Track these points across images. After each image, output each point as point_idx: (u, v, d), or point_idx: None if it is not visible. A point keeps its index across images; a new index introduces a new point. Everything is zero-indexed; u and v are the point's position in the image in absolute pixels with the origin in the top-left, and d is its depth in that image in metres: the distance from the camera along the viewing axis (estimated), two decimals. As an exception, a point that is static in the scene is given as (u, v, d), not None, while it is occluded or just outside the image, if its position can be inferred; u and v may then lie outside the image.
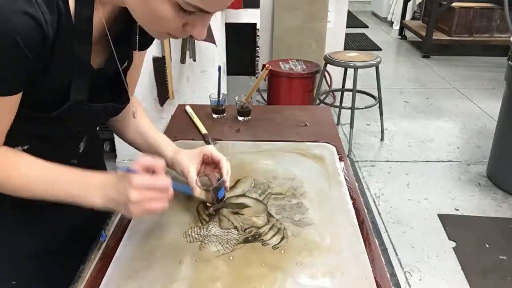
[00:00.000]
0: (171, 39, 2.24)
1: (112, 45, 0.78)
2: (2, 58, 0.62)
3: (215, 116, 1.47)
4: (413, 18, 6.79)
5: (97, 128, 1.05)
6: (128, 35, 0.81)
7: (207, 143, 1.28)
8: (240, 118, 1.44)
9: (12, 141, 0.76)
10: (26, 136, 0.78)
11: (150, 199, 0.74)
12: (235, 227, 0.92)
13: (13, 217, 0.84)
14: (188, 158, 0.97)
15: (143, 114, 1.04)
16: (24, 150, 0.79)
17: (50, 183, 0.76)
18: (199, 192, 0.92)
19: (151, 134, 1.02)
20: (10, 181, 0.74)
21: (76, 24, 0.69)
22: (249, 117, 1.45)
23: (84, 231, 0.92)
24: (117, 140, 2.52)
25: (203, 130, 1.35)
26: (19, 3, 0.60)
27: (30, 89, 0.69)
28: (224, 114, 1.48)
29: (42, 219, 0.86)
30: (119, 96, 0.86)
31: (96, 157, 1.06)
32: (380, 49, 5.83)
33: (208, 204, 0.97)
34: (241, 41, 2.99)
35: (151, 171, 0.77)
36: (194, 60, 2.32)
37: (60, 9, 0.66)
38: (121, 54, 0.81)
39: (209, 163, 1.00)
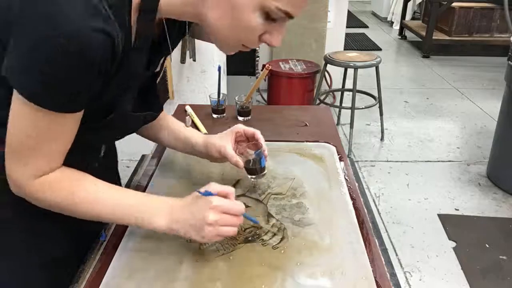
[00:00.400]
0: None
1: (170, 49, 0.79)
2: (79, 75, 0.61)
3: (215, 116, 1.47)
4: (413, 18, 6.79)
5: None
6: (161, 43, 0.80)
7: None
8: (240, 118, 1.44)
9: None
10: None
11: (225, 223, 0.76)
12: (235, 227, 0.92)
13: (19, 228, 0.83)
14: (221, 139, 1.00)
15: (166, 114, 1.06)
16: None
17: (117, 204, 0.77)
18: (242, 165, 0.97)
19: (177, 131, 1.04)
20: (76, 198, 0.74)
21: (136, 39, 0.69)
22: (249, 117, 1.45)
23: (87, 233, 0.92)
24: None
25: (203, 130, 1.35)
26: (99, 21, 0.59)
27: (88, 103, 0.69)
28: (224, 114, 1.48)
29: (48, 228, 0.85)
30: (153, 104, 0.88)
31: (112, 160, 1.08)
32: (380, 49, 5.83)
33: (249, 176, 1.03)
34: (241, 41, 2.99)
35: (223, 196, 0.79)
36: (194, 60, 2.32)
37: (125, 24, 0.65)
38: (155, 62, 0.82)
39: (241, 141, 1.03)
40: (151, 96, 0.89)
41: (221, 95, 1.45)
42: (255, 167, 1.02)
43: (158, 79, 0.90)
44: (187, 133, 1.04)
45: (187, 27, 0.82)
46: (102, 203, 0.76)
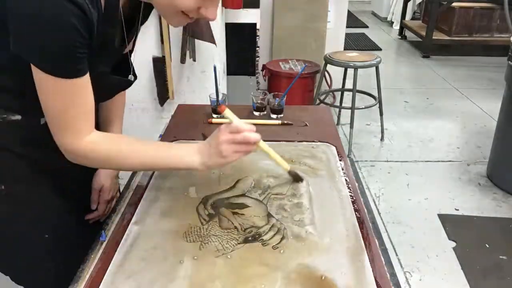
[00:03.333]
0: (170, 39, 2.24)
1: (138, 28, 0.96)
2: (69, 39, 0.72)
3: (215, 116, 1.47)
4: (413, 18, 6.79)
5: None
6: (134, 19, 0.94)
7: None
8: (273, 116, 1.47)
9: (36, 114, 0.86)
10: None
11: (238, 141, 0.89)
12: (235, 227, 0.92)
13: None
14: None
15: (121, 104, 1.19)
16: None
17: (156, 153, 0.92)
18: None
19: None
20: (124, 152, 0.89)
21: (106, 10, 0.79)
22: (282, 115, 1.48)
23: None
24: (117, 140, 2.53)
25: (286, 166, 1.08)
26: None
27: None
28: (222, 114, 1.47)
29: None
30: (126, 74, 1.00)
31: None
32: (380, 49, 5.82)
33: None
34: (241, 41, 2.99)
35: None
36: (194, 60, 2.32)
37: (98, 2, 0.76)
38: (129, 37, 0.94)
39: None
40: (124, 69, 1.00)
41: (221, 95, 1.45)
42: None
43: (132, 56, 1.02)
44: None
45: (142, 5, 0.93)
46: (144, 154, 0.91)
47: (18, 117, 0.89)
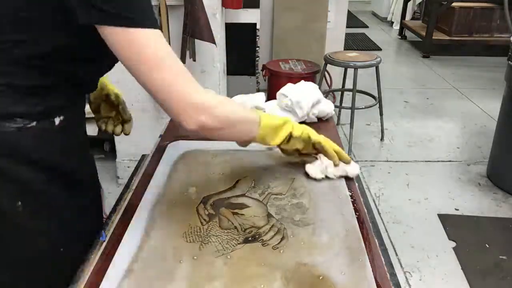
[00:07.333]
0: (170, 39, 2.24)
1: None
2: None
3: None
4: (413, 18, 6.79)
5: None
6: None
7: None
8: None
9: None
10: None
11: None
12: (235, 227, 0.92)
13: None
14: None
15: None
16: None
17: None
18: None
19: None
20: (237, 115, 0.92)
21: None
22: None
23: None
24: (117, 140, 2.52)
25: None
26: None
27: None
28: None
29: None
30: None
31: None
32: (380, 49, 5.82)
33: None
34: (241, 41, 3.00)
35: None
36: (194, 60, 2.32)
37: None
38: None
39: None
40: None
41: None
42: None
43: None
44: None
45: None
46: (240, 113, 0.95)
47: (34, 123, 0.80)
